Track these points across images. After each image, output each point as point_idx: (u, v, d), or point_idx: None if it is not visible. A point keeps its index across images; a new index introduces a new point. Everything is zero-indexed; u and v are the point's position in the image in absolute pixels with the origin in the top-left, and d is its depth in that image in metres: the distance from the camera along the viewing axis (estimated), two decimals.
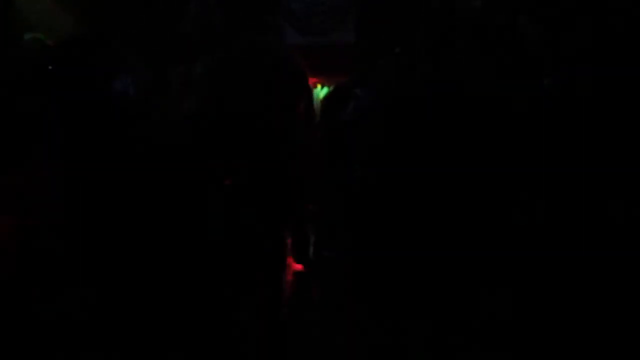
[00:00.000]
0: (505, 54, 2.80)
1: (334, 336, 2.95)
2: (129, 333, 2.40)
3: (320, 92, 4.66)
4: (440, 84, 2.88)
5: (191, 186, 2.67)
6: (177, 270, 2.56)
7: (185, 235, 2.57)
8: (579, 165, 2.44)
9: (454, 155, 2.75)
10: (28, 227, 2.41)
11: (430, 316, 2.74)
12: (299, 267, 3.44)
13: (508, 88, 2.66)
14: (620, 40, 2.46)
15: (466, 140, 2.69)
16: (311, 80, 4.75)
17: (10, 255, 2.41)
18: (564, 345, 2.45)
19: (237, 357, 2.68)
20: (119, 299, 2.44)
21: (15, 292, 2.36)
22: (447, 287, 2.73)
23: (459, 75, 2.80)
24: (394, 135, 2.98)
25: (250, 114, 3.11)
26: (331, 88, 4.56)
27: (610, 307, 2.38)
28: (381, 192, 2.96)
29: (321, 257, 3.39)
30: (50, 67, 2.21)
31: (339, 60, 4.31)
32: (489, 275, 2.64)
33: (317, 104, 4.76)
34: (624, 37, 2.46)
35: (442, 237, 2.73)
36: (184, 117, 2.94)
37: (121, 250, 2.49)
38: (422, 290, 2.76)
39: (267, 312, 2.89)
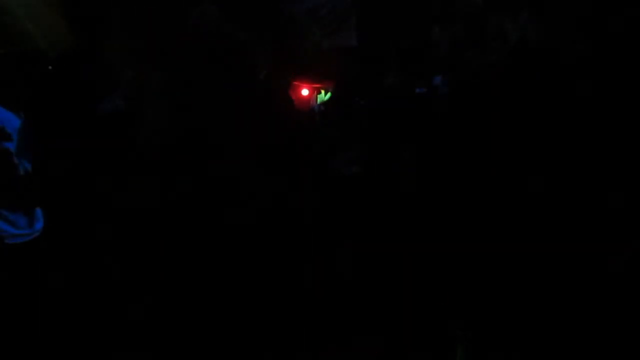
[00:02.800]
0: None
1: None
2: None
3: (323, 97, 4.66)
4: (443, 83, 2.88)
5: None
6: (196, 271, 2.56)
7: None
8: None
9: (456, 153, 2.76)
10: None
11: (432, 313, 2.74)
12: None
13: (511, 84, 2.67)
14: (620, 41, 2.47)
15: (470, 137, 2.70)
16: (313, 85, 4.76)
17: None
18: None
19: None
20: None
21: None
22: (448, 284, 2.73)
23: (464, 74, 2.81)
24: (396, 134, 2.99)
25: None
26: (332, 93, 4.55)
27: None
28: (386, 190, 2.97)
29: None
30: (50, 67, 2.23)
31: (340, 65, 4.31)
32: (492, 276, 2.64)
33: (319, 108, 4.77)
34: (623, 37, 2.46)
35: (442, 232, 2.74)
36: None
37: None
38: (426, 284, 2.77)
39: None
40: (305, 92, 4.61)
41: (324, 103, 4.53)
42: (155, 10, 3.40)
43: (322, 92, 4.61)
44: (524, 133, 2.56)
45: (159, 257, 2.54)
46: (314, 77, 4.47)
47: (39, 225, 2.66)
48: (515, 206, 2.60)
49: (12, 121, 2.56)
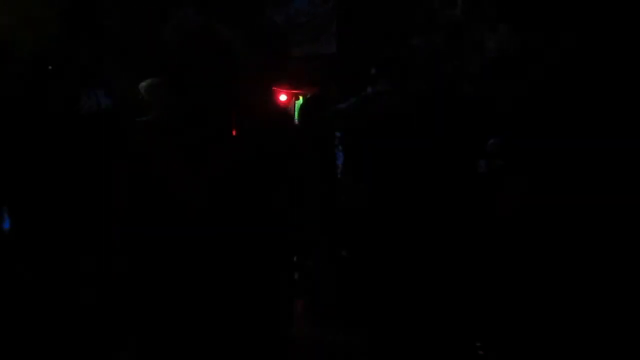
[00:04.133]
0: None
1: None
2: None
3: (300, 103, 4.70)
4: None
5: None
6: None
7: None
8: None
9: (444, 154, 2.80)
10: None
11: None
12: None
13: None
14: (597, 50, 2.54)
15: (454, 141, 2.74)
16: (293, 92, 4.79)
17: None
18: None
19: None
20: None
21: None
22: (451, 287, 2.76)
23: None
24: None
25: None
26: (308, 97, 4.59)
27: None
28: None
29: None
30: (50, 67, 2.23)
31: (320, 72, 4.37)
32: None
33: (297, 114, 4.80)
34: (600, 46, 2.53)
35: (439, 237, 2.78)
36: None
37: None
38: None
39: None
40: (283, 97, 4.64)
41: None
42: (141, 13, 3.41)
43: (300, 98, 4.65)
44: (504, 142, 2.62)
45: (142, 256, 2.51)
46: (293, 83, 4.50)
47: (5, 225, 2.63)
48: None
49: None
